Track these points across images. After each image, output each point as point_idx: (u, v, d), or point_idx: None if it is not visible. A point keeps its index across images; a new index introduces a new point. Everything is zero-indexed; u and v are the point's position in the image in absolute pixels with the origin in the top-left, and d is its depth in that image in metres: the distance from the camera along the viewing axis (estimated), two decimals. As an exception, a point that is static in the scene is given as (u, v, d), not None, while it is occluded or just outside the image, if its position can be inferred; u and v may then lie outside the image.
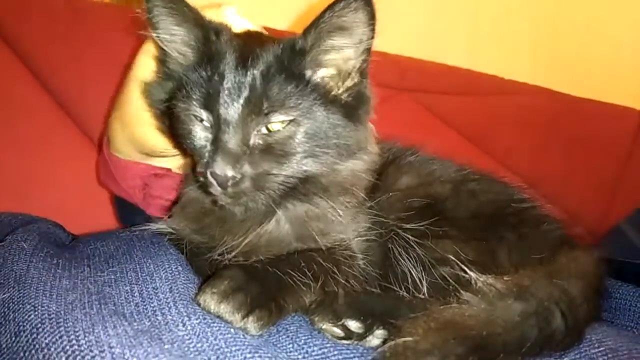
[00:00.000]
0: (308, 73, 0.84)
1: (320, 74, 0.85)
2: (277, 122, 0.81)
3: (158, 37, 0.87)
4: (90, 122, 1.36)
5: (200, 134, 0.84)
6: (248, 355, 0.65)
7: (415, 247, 0.87)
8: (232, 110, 0.80)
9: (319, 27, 0.81)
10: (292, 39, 0.83)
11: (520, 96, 1.95)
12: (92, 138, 1.36)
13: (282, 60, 0.83)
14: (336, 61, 0.84)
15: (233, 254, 0.87)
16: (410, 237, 0.88)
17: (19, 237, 0.88)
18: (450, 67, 1.85)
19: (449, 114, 1.80)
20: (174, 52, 0.88)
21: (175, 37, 0.87)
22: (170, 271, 0.81)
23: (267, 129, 0.82)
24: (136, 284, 0.78)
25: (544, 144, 1.92)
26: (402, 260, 0.87)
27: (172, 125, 0.88)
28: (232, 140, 0.80)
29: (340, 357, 0.73)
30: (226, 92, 0.80)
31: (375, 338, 0.78)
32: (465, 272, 0.82)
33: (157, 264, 0.83)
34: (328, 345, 0.75)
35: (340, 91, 0.86)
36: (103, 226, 1.15)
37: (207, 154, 0.82)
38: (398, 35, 1.81)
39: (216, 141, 0.81)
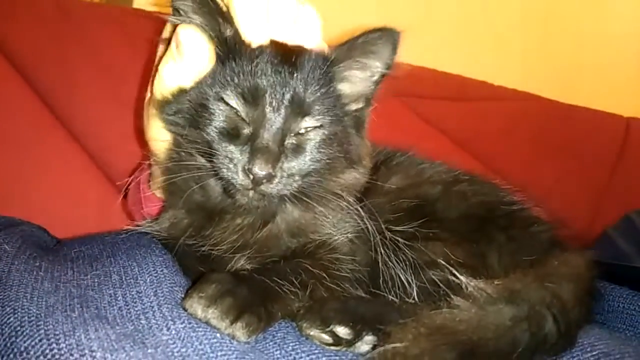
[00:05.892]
0: (335, 84, 0.88)
1: (342, 87, 0.89)
2: (310, 126, 0.84)
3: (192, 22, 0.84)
4: (77, 124, 1.34)
5: (234, 128, 0.82)
6: (234, 361, 0.63)
7: (405, 249, 0.87)
8: (277, 109, 0.81)
9: (351, 45, 0.87)
10: (323, 50, 0.88)
11: (509, 102, 1.96)
12: (79, 139, 1.34)
13: (317, 68, 0.86)
14: (355, 79, 0.90)
15: (224, 248, 0.86)
16: (399, 239, 0.87)
17: (1, 239, 0.86)
18: (440, 73, 1.85)
19: (438, 119, 1.80)
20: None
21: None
22: (156, 275, 0.80)
23: (299, 131, 0.83)
24: (120, 288, 0.76)
25: (533, 150, 1.93)
26: (391, 264, 0.87)
27: (193, 117, 0.84)
28: (274, 139, 0.80)
29: (328, 363, 0.72)
30: (271, 90, 0.81)
31: (365, 344, 0.76)
32: (456, 277, 0.81)
33: (142, 267, 0.82)
34: (316, 351, 0.73)
35: (352, 107, 0.91)
36: (88, 230, 1.13)
37: (243, 150, 0.80)
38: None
39: (256, 138, 0.80)
